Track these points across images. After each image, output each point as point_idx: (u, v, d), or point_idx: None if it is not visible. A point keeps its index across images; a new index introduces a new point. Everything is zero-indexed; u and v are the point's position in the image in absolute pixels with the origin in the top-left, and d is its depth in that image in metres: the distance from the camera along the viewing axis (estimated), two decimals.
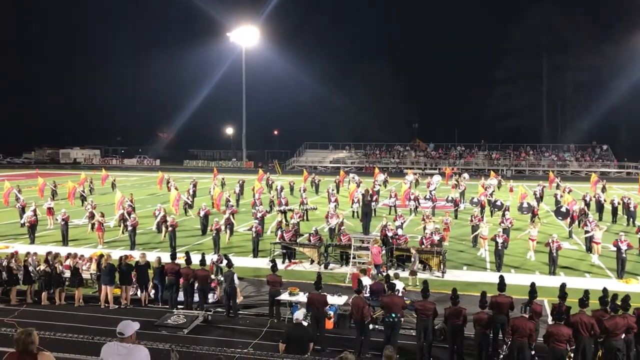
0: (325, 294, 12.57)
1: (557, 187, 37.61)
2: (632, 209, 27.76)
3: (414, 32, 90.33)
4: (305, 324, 11.16)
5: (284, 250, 20.23)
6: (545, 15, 76.12)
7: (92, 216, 25.17)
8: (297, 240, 20.91)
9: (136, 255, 16.14)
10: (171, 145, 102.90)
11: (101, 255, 15.83)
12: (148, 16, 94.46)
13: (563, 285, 11.85)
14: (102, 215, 23.59)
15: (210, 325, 13.60)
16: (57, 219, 24.60)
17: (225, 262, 15.10)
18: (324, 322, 12.50)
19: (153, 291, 15.58)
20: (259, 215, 24.09)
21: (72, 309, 14.85)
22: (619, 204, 29.11)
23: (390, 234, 20.06)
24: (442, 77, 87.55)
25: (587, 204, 29.43)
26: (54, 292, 15.25)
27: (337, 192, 37.42)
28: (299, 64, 79.43)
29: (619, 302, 10.79)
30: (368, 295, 13.72)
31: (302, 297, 13.74)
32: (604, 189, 35.19)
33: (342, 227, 21.61)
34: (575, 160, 68.93)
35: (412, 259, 18.02)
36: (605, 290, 11.73)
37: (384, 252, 18.69)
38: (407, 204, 31.43)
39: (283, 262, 19.68)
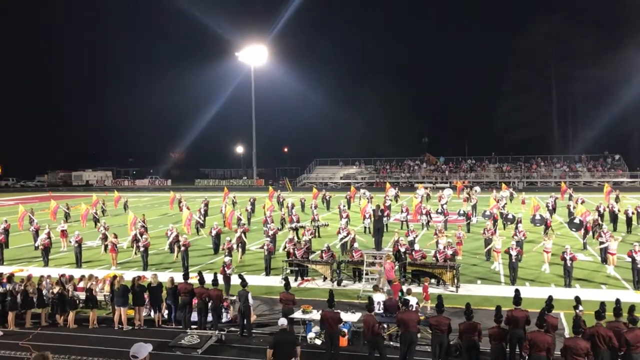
0: (338, 311, 12.51)
1: (570, 198, 37.33)
2: None
3: (422, 46, 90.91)
4: (287, 328, 11.51)
5: (296, 268, 20.19)
6: (553, 25, 76.19)
7: (105, 238, 25.29)
8: (309, 258, 20.85)
9: (149, 276, 16.16)
10: (182, 165, 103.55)
11: (114, 277, 15.89)
12: (158, 37, 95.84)
13: (577, 298, 11.71)
14: (115, 237, 23.68)
15: (224, 345, 13.57)
16: (70, 241, 24.74)
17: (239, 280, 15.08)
18: (338, 339, 12.42)
19: (166, 311, 15.58)
20: (270, 233, 24.09)
21: (87, 331, 14.89)
22: (633, 213, 28.80)
23: (402, 249, 19.96)
24: (451, 90, 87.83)
25: (601, 215, 29.17)
26: (67, 315, 15.29)
27: (349, 208, 37.37)
28: (307, 81, 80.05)
29: (638, 314, 10.63)
30: (382, 311, 13.64)
31: (316, 315, 13.68)
32: (617, 199, 34.89)
33: (354, 243, 21.53)
34: (587, 171, 68.41)
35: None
36: (618, 300, 11.57)
37: (396, 267, 18.59)
38: (418, 219, 31.30)
39: (295, 280, 19.62)
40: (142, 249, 22.50)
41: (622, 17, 72.04)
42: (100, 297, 16.50)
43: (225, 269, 18.07)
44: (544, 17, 77.00)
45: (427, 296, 16.10)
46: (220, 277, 16.10)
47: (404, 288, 14.87)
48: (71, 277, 16.93)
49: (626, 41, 70.82)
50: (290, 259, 20.40)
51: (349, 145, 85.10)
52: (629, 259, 18.18)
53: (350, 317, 13.94)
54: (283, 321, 11.33)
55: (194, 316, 14.93)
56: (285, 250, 21.38)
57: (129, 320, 15.12)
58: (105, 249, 24.87)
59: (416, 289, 16.70)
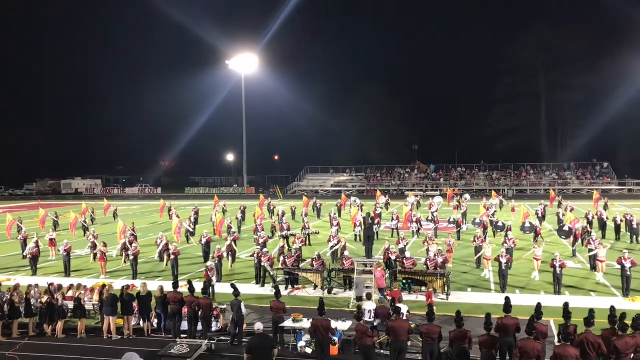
0: (329, 319, 12.48)
1: (559, 205, 37.54)
2: (635, 226, 27.65)
3: (412, 54, 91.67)
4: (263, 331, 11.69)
5: (287, 276, 20.13)
6: (543, 34, 76.87)
7: (94, 246, 25.12)
8: (300, 266, 20.79)
9: (138, 284, 16.06)
10: (172, 173, 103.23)
11: (103, 286, 15.76)
12: (147, 45, 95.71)
13: (566, 305, 11.74)
14: (105, 245, 23.53)
15: (214, 354, 13.50)
16: (59, 250, 24.53)
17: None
18: (329, 348, 12.38)
19: (156, 321, 15.48)
20: (261, 241, 24.03)
21: (75, 340, 14.75)
22: (621, 221, 28.99)
23: (393, 257, 19.96)
24: (441, 98, 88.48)
25: (590, 222, 29.35)
26: (56, 324, 15.14)
27: (339, 215, 37.37)
28: (298, 90, 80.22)
29: (627, 322, 10.68)
30: (373, 319, 13.62)
31: (306, 324, 13.64)
32: (606, 207, 35.13)
33: (345, 252, 21.50)
34: (576, 179, 68.89)
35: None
36: (612, 308, 11.62)
37: (387, 275, 18.57)
38: (409, 226, 31.34)
39: (286, 288, 19.56)
40: (131, 257, 22.36)
41: (611, 26, 72.94)
42: (89, 307, 16.36)
43: (209, 272, 18.10)
44: (533, 27, 77.80)
45: (432, 302, 16.12)
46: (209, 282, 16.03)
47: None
48: (60, 286, 16.78)
49: (615, 50, 71.73)
50: (281, 267, 20.35)
51: (340, 153, 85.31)
52: (619, 267, 18.28)
53: (341, 325, 13.90)
54: (259, 325, 11.57)
55: (184, 325, 14.84)
56: (276, 258, 21.35)
57: (118, 329, 15.00)
58: (95, 258, 24.71)
59: (407, 296, 16.69)
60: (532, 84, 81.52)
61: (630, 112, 70.32)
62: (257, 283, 20.57)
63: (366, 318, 13.19)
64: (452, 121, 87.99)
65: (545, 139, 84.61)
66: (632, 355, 10.34)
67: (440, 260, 19.29)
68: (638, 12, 63.06)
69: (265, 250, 20.97)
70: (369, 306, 14.06)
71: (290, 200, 53.20)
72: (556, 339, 12.50)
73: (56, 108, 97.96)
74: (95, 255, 24.71)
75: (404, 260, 19.63)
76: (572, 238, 25.48)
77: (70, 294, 16.55)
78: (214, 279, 18.30)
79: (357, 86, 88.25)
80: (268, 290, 18.78)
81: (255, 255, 21.10)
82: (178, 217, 32.45)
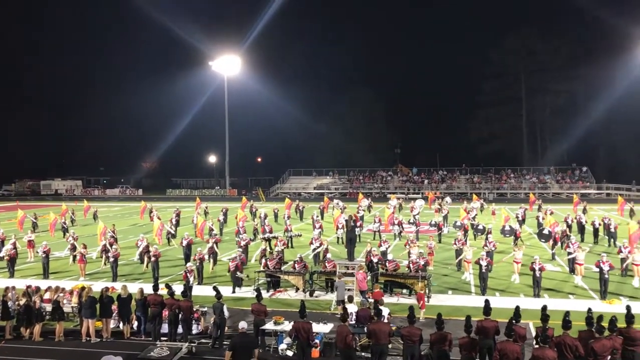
0: (310, 322, 12.47)
1: (539, 209, 37.95)
2: (612, 229, 28.05)
3: (395, 58, 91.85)
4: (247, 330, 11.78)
5: (269, 279, 20.10)
6: (524, 40, 77.80)
7: (73, 248, 24.85)
8: (282, 268, 20.77)
9: (118, 287, 15.92)
10: (154, 175, 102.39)
11: (82, 288, 15.60)
12: (129, 45, 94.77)
13: (544, 308, 11.88)
14: (84, 247, 23.29)
15: (194, 357, 13.43)
16: (37, 252, 24.23)
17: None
18: (310, 350, 12.37)
19: (136, 323, 15.35)
20: (242, 243, 23.94)
21: (53, 344, 14.56)
22: (600, 225, 29.39)
23: (375, 259, 20.04)
24: (424, 102, 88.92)
25: (569, 226, 29.72)
26: (33, 327, 14.93)
27: (322, 218, 37.40)
28: (281, 91, 79.99)
29: (605, 324, 10.83)
30: (354, 322, 13.64)
31: (288, 326, 13.62)
32: (585, 211, 35.60)
33: (327, 254, 21.54)
34: (555, 183, 69.71)
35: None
36: (590, 310, 11.80)
37: (369, 278, 18.63)
38: (391, 229, 31.47)
39: (268, 291, 19.53)
40: (111, 259, 22.15)
41: (592, 33, 74.02)
42: (67, 309, 16.18)
43: (187, 274, 18.05)
44: (515, 32, 78.65)
45: (423, 305, 16.22)
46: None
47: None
48: (38, 289, 16.58)
49: (594, 56, 72.80)
50: (262, 269, 20.31)
51: (323, 155, 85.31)
52: (597, 270, 18.54)
53: (322, 327, 13.90)
54: (243, 324, 11.62)
55: (164, 328, 14.74)
56: (257, 260, 21.31)
57: (97, 332, 14.84)
58: (74, 260, 24.42)
59: (388, 299, 16.75)
60: (513, 89, 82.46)
61: (609, 117, 71.45)
62: (239, 286, 20.50)
63: (350, 320, 13.22)
64: (434, 125, 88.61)
65: (526, 143, 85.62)
66: (609, 357, 10.50)
67: (421, 262, 19.42)
68: (618, 20, 64.09)
69: (234, 255, 20.92)
70: (351, 308, 14.11)
71: (273, 203, 53.10)
72: (534, 341, 12.63)
73: (36, 108, 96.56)
74: (74, 257, 24.44)
75: (386, 263, 19.73)
76: (551, 241, 25.79)
77: (47, 296, 16.36)
78: (191, 279, 18.22)
79: (340, 89, 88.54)
80: (250, 292, 18.72)
81: (237, 258, 21.06)
82: (159, 218, 32.25)
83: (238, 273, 19.88)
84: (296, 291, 19.52)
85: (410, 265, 19.37)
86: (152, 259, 21.49)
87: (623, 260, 21.02)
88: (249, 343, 11.39)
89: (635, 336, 10.95)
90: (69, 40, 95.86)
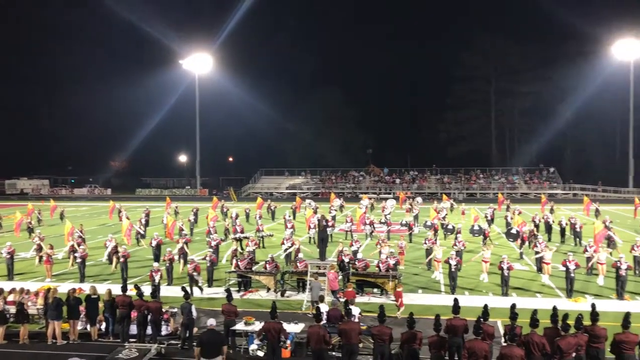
0: (281, 322, 12.44)
1: (507, 209, 38.52)
2: (578, 229, 28.60)
3: (367, 59, 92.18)
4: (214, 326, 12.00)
5: (240, 279, 19.98)
6: (492, 43, 78.98)
7: (39, 248, 24.33)
8: (253, 268, 20.68)
9: (86, 288, 15.64)
10: (123, 174, 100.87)
11: (48, 289, 15.28)
12: (98, 43, 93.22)
13: (513, 306, 12.07)
14: (51, 248, 22.83)
15: (163, 358, 13.28)
16: (1, 253, 23.65)
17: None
18: (280, 351, 12.34)
19: (104, 325, 15.10)
20: (213, 243, 23.77)
21: (17, 346, 14.23)
22: (566, 224, 29.94)
23: (346, 259, 20.08)
24: (396, 103, 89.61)
25: (537, 225, 30.23)
26: None
27: (294, 218, 37.36)
28: (253, 90, 79.58)
29: (570, 322, 11.05)
30: (325, 322, 13.65)
31: (258, 326, 13.57)
32: (552, 211, 36.25)
33: (299, 254, 21.51)
34: (524, 183, 70.89)
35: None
36: (555, 308, 12.02)
37: (340, 277, 18.66)
38: (362, 229, 31.58)
39: (239, 291, 19.42)
40: (79, 260, 21.75)
41: (559, 36, 75.49)
42: (32, 311, 15.84)
43: (154, 274, 17.87)
44: (484, 35, 79.85)
45: (402, 303, 16.29)
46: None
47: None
48: (1, 290, 16.17)
49: (561, 59, 74.35)
50: (233, 270, 20.19)
51: (295, 155, 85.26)
52: (563, 268, 18.89)
53: (293, 327, 13.88)
54: (212, 321, 11.92)
55: (133, 329, 14.53)
56: (229, 261, 21.17)
57: (64, 334, 14.55)
58: (40, 261, 23.91)
59: (359, 298, 16.80)
60: (483, 91, 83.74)
61: (577, 119, 73.07)
62: (210, 286, 20.36)
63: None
64: (405, 126, 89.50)
65: (495, 144, 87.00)
66: (574, 354, 10.71)
67: (392, 262, 19.55)
68: (585, 23, 65.47)
69: (191, 257, 20.77)
70: (322, 308, 14.11)
71: (245, 203, 52.85)
72: (502, 340, 12.82)
73: (0, 105, 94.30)
74: (40, 257, 23.92)
75: (357, 262, 19.79)
76: (519, 241, 26.19)
77: (11, 298, 15.98)
78: (157, 278, 18.01)
79: (312, 89, 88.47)
80: (220, 293, 18.57)
81: (207, 258, 20.92)
82: (128, 218, 31.79)
83: (195, 274, 19.60)
84: (267, 291, 19.46)
85: (380, 264, 19.47)
86: (121, 259, 21.19)
87: (588, 259, 21.45)
88: (216, 339, 11.59)
89: (599, 334, 11.21)
90: (35, 38, 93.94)
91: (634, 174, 65.37)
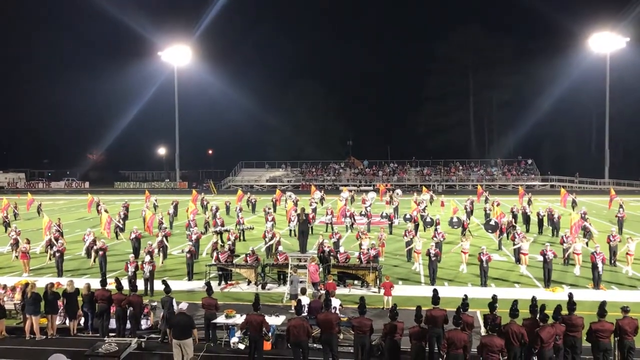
0: (263, 314, 12.43)
1: (486, 200, 38.91)
2: (555, 220, 29.01)
3: (346, 51, 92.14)
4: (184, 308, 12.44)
5: (220, 272, 19.92)
6: (471, 35, 79.51)
7: (16, 243, 23.98)
8: (233, 261, 20.62)
9: (64, 282, 15.46)
10: (101, 167, 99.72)
11: (26, 284, 15.08)
12: (75, 34, 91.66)
13: (494, 298, 12.21)
14: (28, 242, 22.49)
15: (144, 352, 13.20)
16: None
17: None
18: (262, 343, 12.34)
19: (83, 319, 14.95)
20: (193, 237, 23.66)
21: None
22: (544, 215, 30.35)
23: (327, 250, 20.13)
24: (374, 95, 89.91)
25: (515, 217, 30.59)
26: None
27: (275, 211, 37.31)
28: (233, 83, 79.09)
29: (548, 312, 11.21)
30: (306, 314, 13.67)
31: (240, 319, 13.55)
32: (530, 202, 36.69)
33: (280, 246, 21.50)
34: (502, 175, 71.66)
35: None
36: (534, 298, 12.19)
37: (321, 269, 18.70)
38: (343, 221, 31.67)
39: (219, 284, 19.36)
40: (57, 254, 21.48)
41: (536, 29, 76.37)
42: (9, 306, 15.62)
43: (129, 265, 17.78)
44: (461, 28, 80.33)
45: (389, 292, 16.35)
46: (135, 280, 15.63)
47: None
48: None
49: (539, 51, 75.19)
50: (214, 263, 20.11)
51: (275, 148, 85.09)
52: (541, 259, 19.14)
53: (274, 320, 13.89)
54: (183, 305, 12.41)
55: (112, 323, 14.41)
56: (209, 254, 21.08)
57: (42, 329, 14.38)
58: (17, 255, 23.56)
59: (340, 290, 16.85)
60: (461, 83, 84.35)
61: (554, 111, 73.99)
62: (190, 279, 20.28)
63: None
64: (385, 118, 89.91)
65: (474, 136, 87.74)
66: (553, 343, 10.89)
67: (372, 253, 19.64)
68: (561, 17, 66.26)
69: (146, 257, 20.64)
70: (304, 300, 14.13)
71: (225, 195, 52.61)
72: (482, 330, 12.97)
73: None
74: (17, 252, 23.57)
75: (338, 255, 19.85)
76: (497, 232, 26.48)
77: None
78: (131, 269, 17.92)
79: (293, 81, 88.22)
80: (200, 286, 18.50)
81: (187, 251, 20.81)
82: (107, 212, 31.44)
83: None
84: (248, 284, 19.43)
85: (361, 256, 19.56)
86: (100, 253, 20.98)
87: (565, 249, 21.77)
88: (187, 322, 11.96)
89: (576, 323, 11.40)
90: (9, 29, 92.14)
91: (609, 165, 66.51)
